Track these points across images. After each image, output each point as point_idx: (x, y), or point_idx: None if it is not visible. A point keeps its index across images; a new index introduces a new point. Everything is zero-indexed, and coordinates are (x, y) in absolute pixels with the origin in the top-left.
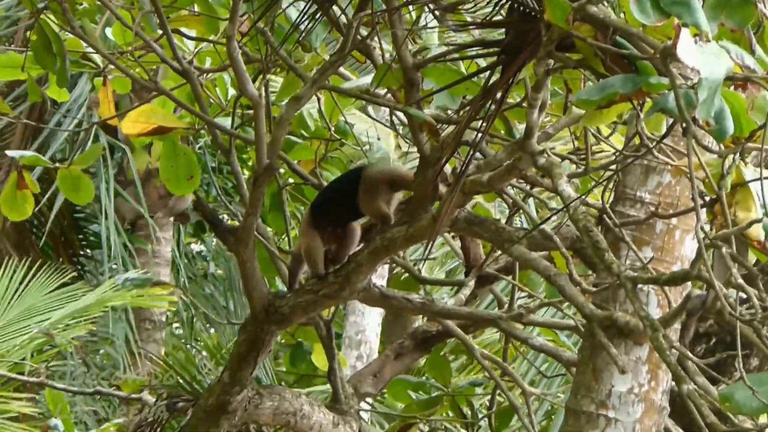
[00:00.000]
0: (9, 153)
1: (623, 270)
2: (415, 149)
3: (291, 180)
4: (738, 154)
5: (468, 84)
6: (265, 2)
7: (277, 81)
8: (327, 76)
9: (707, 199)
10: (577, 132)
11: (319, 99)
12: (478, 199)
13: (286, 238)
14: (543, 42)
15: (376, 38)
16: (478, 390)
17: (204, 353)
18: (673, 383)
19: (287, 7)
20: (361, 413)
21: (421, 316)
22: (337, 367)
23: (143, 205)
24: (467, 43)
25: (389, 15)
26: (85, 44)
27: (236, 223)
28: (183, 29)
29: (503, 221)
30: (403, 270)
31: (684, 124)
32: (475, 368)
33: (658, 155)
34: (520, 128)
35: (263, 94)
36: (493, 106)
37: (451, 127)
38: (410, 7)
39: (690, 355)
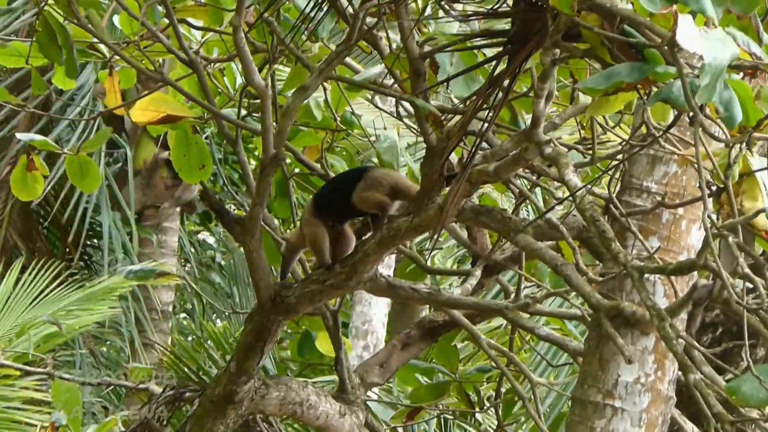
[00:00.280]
0: (19, 135)
1: (630, 260)
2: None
3: (297, 170)
4: (745, 144)
5: (479, 71)
6: None
7: (284, 71)
8: (333, 66)
9: (714, 188)
10: (583, 122)
11: (325, 89)
12: (487, 189)
13: (293, 228)
14: (549, 32)
15: (382, 28)
16: (485, 379)
17: (209, 343)
18: (680, 373)
19: None
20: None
21: (427, 306)
22: (343, 356)
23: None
24: (474, 33)
25: (396, 5)
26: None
27: (243, 213)
28: (189, 19)
29: (510, 211)
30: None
31: (691, 114)
32: (482, 357)
33: (664, 145)
34: (526, 118)
35: (270, 84)
36: (499, 96)
37: (458, 117)
38: None
39: (696, 344)
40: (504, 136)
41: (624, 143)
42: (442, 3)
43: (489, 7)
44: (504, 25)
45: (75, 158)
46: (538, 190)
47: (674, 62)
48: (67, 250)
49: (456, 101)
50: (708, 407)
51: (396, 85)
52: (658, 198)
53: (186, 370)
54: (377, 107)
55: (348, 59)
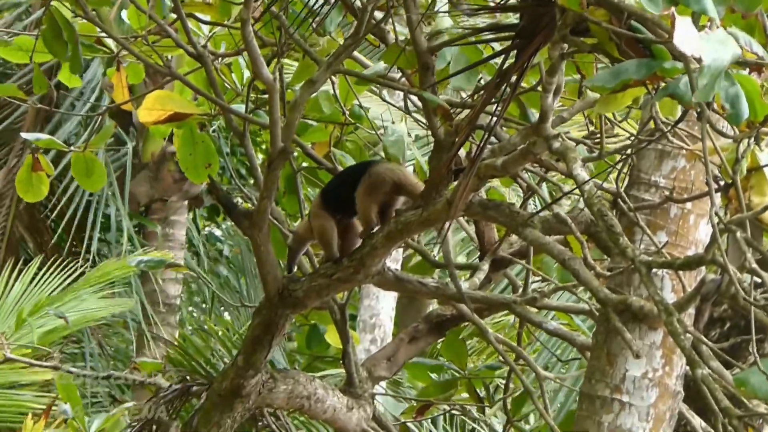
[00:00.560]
0: (24, 135)
1: (638, 254)
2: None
3: (305, 164)
4: (753, 139)
5: (486, 66)
6: None
7: (292, 65)
8: (341, 60)
9: (722, 183)
10: (591, 116)
11: (333, 83)
12: (494, 183)
13: (301, 222)
14: (557, 26)
15: (390, 22)
16: (495, 373)
17: (217, 336)
18: (688, 368)
19: None
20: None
21: (435, 300)
22: (351, 350)
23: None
24: (482, 27)
25: None
26: (98, 29)
27: (249, 206)
28: (197, 14)
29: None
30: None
31: (698, 109)
32: (489, 352)
33: (672, 140)
34: (535, 113)
35: (278, 78)
36: (507, 90)
37: (466, 112)
38: None
39: (704, 339)
40: (513, 130)
41: (632, 138)
42: None
43: (498, 1)
44: (512, 19)
45: (81, 156)
46: (545, 184)
47: (681, 58)
48: (74, 243)
49: (464, 95)
50: (715, 402)
51: (404, 79)
52: (667, 193)
53: (193, 363)
54: (385, 101)
55: (356, 53)
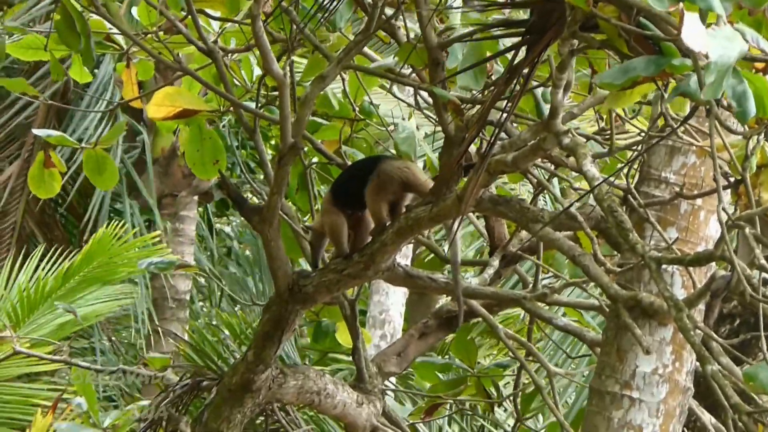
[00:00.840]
0: (35, 131)
1: (648, 250)
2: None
3: (315, 159)
4: (762, 135)
5: (493, 63)
6: None
7: (302, 62)
8: (352, 55)
9: (731, 180)
10: (601, 112)
11: (343, 79)
12: (503, 181)
13: (311, 218)
14: (567, 22)
15: (400, 18)
16: (504, 371)
17: (231, 328)
18: (698, 364)
19: None
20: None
21: (445, 295)
22: (361, 346)
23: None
24: (492, 23)
25: None
26: (108, 25)
27: (257, 201)
28: (207, 10)
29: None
30: (427, 250)
31: (707, 106)
32: (498, 348)
33: (682, 136)
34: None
35: (288, 73)
36: (517, 86)
37: (476, 107)
38: None
39: (714, 335)
40: (523, 126)
41: (642, 134)
42: None
43: None
44: (522, 15)
45: (92, 153)
46: (555, 180)
47: (690, 55)
48: (84, 238)
49: (474, 91)
50: (725, 398)
51: (414, 75)
52: (677, 189)
53: (203, 358)
54: (395, 96)
55: (366, 49)
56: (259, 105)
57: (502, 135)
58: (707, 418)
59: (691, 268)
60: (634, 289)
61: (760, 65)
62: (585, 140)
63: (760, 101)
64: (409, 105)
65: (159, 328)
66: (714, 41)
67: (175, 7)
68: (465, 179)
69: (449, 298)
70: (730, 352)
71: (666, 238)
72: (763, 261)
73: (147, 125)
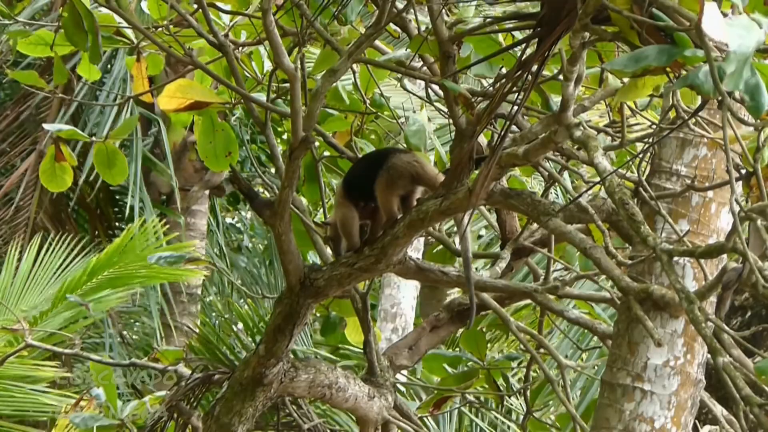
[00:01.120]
0: (46, 126)
1: (659, 243)
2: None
3: (327, 153)
4: None
5: (504, 56)
6: None
7: (313, 53)
8: (363, 49)
9: (743, 172)
10: (612, 104)
11: (354, 72)
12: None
13: (322, 211)
14: (579, 15)
15: (411, 11)
16: (514, 363)
17: (244, 321)
18: (709, 356)
19: None
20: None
21: (456, 288)
22: (372, 339)
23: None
24: (503, 16)
25: None
26: (118, 19)
27: (267, 195)
28: (218, 3)
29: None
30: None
31: (719, 97)
32: (509, 341)
33: (694, 128)
34: (555, 101)
35: (299, 67)
36: (528, 79)
37: (487, 100)
38: None
39: (726, 328)
40: (534, 119)
41: (654, 126)
42: None
43: None
44: (533, 8)
45: (103, 147)
46: (566, 173)
47: (702, 46)
48: (96, 233)
49: (485, 83)
50: (737, 390)
51: (425, 68)
52: (688, 181)
53: (215, 352)
54: (406, 90)
55: (377, 42)
56: (270, 98)
57: (513, 128)
58: (719, 410)
59: (702, 261)
60: (645, 281)
61: None
62: (596, 133)
63: None
64: (420, 98)
65: (171, 322)
66: (732, 30)
67: (186, 1)
68: (476, 172)
69: (461, 291)
70: (742, 344)
71: (677, 230)
72: None
73: (162, 120)
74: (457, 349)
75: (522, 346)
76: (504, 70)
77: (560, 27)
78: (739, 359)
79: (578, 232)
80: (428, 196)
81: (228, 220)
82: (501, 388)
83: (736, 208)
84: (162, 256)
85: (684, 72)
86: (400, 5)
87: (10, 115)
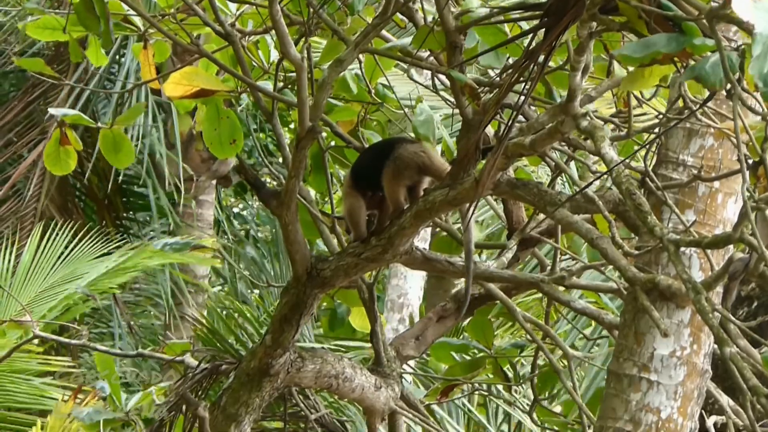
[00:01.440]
0: (51, 111)
1: (666, 233)
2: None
3: (333, 143)
4: None
5: (511, 46)
6: None
7: (320, 42)
8: (369, 39)
9: (750, 162)
10: (619, 94)
11: (360, 62)
12: (522, 162)
13: (329, 201)
14: (587, 4)
15: (418, 1)
16: (521, 352)
17: (245, 316)
18: (716, 346)
19: None
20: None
21: (463, 279)
22: (379, 329)
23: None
24: (510, 6)
25: None
26: (126, 6)
27: (274, 184)
28: None
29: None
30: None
31: (729, 87)
32: (514, 330)
33: (701, 118)
34: (561, 93)
35: (305, 57)
36: (535, 69)
37: (494, 91)
38: None
39: (732, 318)
40: (541, 109)
41: (660, 116)
42: None
43: None
44: None
45: (109, 133)
46: (573, 163)
47: (713, 35)
48: (104, 222)
49: (492, 74)
50: (744, 380)
51: (432, 58)
52: (694, 171)
53: (222, 343)
54: (413, 80)
55: (384, 32)
56: (277, 89)
57: (520, 118)
58: (725, 400)
59: (708, 251)
60: (652, 271)
61: None
62: (603, 123)
63: None
64: (426, 87)
65: (178, 312)
66: (758, 13)
67: None
68: (483, 162)
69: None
70: (748, 334)
71: (684, 220)
72: None
73: (164, 110)
74: (461, 337)
75: (528, 336)
76: (511, 61)
77: (568, 17)
78: (746, 349)
79: (585, 223)
80: (435, 187)
81: (234, 209)
82: (508, 377)
83: (747, 197)
84: (168, 242)
85: (692, 62)
86: None
87: (18, 106)
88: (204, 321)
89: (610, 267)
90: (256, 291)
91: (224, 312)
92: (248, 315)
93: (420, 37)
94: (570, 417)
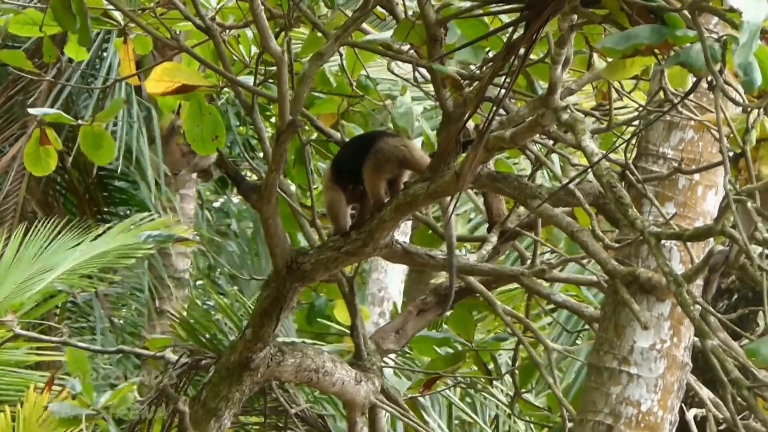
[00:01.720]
0: (31, 111)
1: (647, 226)
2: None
3: (315, 136)
4: (763, 109)
5: (492, 39)
6: None
7: (303, 32)
8: (350, 32)
9: (732, 154)
10: (600, 88)
11: (341, 55)
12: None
13: (309, 195)
14: None
15: None
16: (502, 345)
17: (225, 310)
18: (696, 339)
19: None
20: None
21: (443, 272)
22: (359, 323)
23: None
24: None
25: None
26: (106, 1)
27: (254, 178)
28: None
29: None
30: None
31: (710, 78)
32: (497, 321)
33: (681, 111)
34: (543, 85)
35: (286, 50)
36: (516, 62)
37: (474, 84)
38: None
39: (713, 310)
40: (521, 102)
41: (641, 109)
42: None
43: None
44: None
45: (89, 130)
46: (554, 156)
47: (695, 26)
48: (84, 217)
49: (473, 67)
50: (725, 373)
51: (412, 51)
52: (675, 164)
53: (202, 337)
54: (393, 73)
55: (364, 25)
56: (258, 82)
57: (501, 111)
58: (705, 393)
59: (689, 244)
60: (632, 264)
61: None
62: (583, 116)
63: (763, 73)
64: (406, 81)
65: (158, 306)
66: (747, 0)
67: None
68: (463, 155)
69: (448, 275)
70: (729, 327)
71: (664, 213)
72: (766, 235)
73: (154, 105)
74: (441, 329)
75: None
76: (491, 54)
77: (548, 10)
78: (726, 342)
79: (565, 216)
80: (415, 180)
81: (215, 203)
82: (489, 370)
83: (729, 189)
84: (151, 234)
85: (673, 53)
86: None
87: None
88: (185, 315)
89: (591, 260)
90: (236, 287)
91: (205, 306)
92: (228, 311)
93: (401, 30)
94: (557, 411)
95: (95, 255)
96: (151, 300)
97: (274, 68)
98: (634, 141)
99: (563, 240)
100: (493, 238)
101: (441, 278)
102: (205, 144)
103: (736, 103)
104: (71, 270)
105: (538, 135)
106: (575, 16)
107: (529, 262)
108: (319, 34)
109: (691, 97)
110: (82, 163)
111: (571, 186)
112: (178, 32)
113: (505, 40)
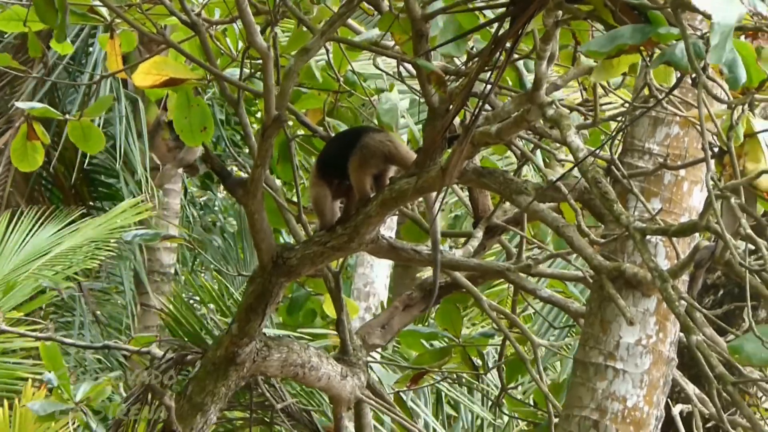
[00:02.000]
0: (18, 104)
1: (632, 221)
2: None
3: (300, 132)
4: (747, 105)
5: (483, 31)
6: None
7: (288, 27)
8: (336, 27)
9: (716, 150)
10: (585, 83)
11: (327, 50)
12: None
13: (295, 190)
14: None
15: None
16: (489, 341)
17: (215, 302)
18: (681, 334)
19: None
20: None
21: (429, 267)
22: (345, 318)
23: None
24: None
25: None
26: None
27: (241, 173)
28: None
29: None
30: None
31: (694, 75)
32: (485, 319)
33: (666, 106)
34: (529, 79)
35: (272, 45)
36: (502, 58)
37: (460, 79)
38: None
39: (698, 306)
40: (506, 97)
41: (627, 105)
42: None
43: None
44: None
45: (77, 124)
46: (539, 151)
47: (678, 24)
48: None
49: (458, 62)
50: (710, 368)
51: (397, 47)
52: (660, 159)
53: (188, 332)
54: (379, 68)
55: (350, 20)
56: (244, 77)
57: (486, 107)
58: (691, 388)
59: (674, 239)
60: (617, 260)
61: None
62: (569, 111)
63: (747, 69)
64: (391, 76)
65: (144, 302)
66: (715, 2)
67: None
68: (449, 151)
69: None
70: (714, 322)
71: (649, 209)
72: (749, 231)
73: (141, 99)
74: (427, 324)
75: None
76: (475, 49)
77: (534, 5)
78: (712, 338)
79: (551, 211)
80: (401, 175)
81: (202, 198)
82: (476, 365)
83: (712, 186)
84: (137, 233)
85: (658, 51)
86: None
87: None
88: (171, 308)
89: (576, 255)
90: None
91: (191, 301)
92: (215, 303)
93: (384, 23)
94: (543, 406)
95: (78, 243)
96: (138, 295)
97: (260, 62)
98: (619, 136)
99: (550, 235)
100: (479, 234)
101: (427, 273)
102: (193, 135)
103: (719, 100)
104: (55, 257)
105: (523, 131)
106: (560, 12)
107: (515, 257)
108: (305, 29)
109: (677, 92)
110: (68, 158)
111: (557, 182)
112: (164, 27)
113: (491, 35)
